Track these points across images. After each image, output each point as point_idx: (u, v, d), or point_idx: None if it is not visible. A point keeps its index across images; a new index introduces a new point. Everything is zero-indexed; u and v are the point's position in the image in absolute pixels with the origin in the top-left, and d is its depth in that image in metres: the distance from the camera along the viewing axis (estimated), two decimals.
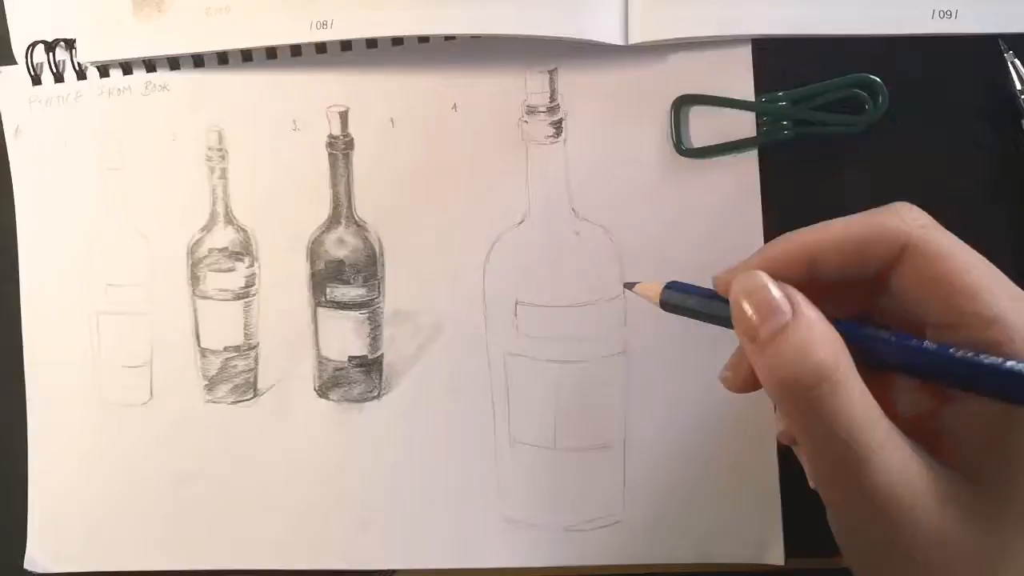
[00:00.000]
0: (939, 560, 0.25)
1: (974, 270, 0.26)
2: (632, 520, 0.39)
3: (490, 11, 0.38)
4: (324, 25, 0.39)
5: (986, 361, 0.24)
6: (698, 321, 0.30)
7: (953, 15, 0.37)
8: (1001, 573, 0.25)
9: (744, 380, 0.29)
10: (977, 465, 0.26)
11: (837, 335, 0.26)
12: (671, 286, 0.31)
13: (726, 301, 0.28)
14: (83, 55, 0.41)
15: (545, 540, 0.39)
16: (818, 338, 0.25)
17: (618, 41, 0.38)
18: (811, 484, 0.28)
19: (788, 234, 0.29)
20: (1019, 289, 0.27)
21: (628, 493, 0.39)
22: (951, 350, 0.25)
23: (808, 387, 0.25)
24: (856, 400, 0.25)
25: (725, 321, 0.28)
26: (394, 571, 0.41)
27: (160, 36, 0.40)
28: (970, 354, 0.25)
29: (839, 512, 0.27)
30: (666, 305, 0.31)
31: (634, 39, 0.38)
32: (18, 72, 0.42)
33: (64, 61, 0.41)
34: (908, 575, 0.26)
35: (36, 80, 0.42)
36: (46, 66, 0.42)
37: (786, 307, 0.26)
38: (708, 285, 0.38)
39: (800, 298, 0.26)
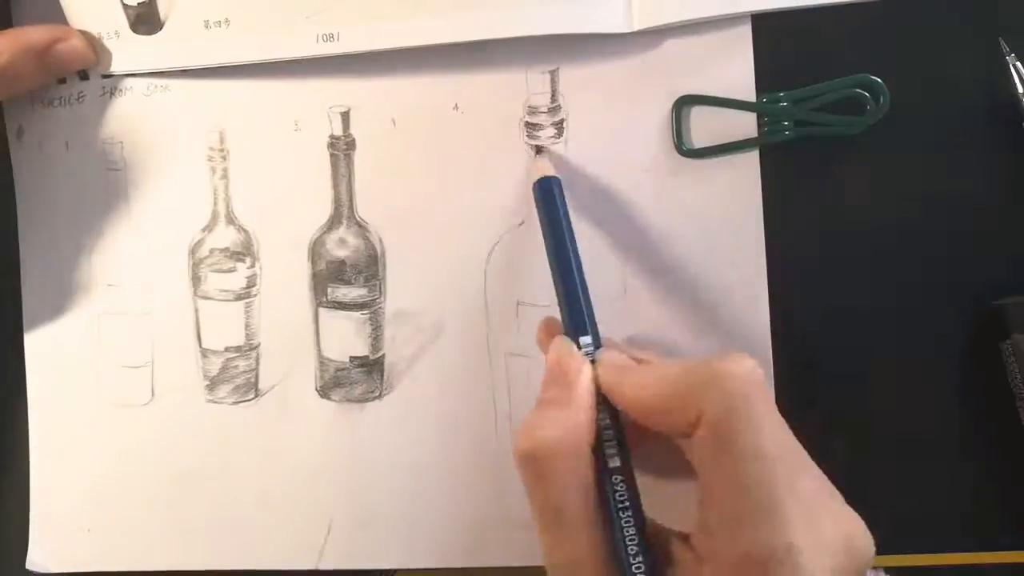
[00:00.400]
0: None
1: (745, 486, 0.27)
2: None
3: (496, 14, 0.38)
4: (330, 38, 0.39)
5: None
6: None
7: None
8: None
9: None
10: None
11: (584, 424, 0.29)
12: (551, 182, 0.36)
13: (564, 235, 0.34)
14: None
15: None
16: (562, 421, 0.29)
17: (623, 29, 0.38)
18: None
19: (617, 372, 0.31)
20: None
21: None
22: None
23: (526, 455, 0.29)
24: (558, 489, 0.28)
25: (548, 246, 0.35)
26: (394, 571, 0.41)
27: (159, 51, 0.40)
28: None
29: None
30: (535, 190, 0.36)
31: (638, 25, 0.38)
32: None
33: None
34: None
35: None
36: None
37: (560, 388, 0.30)
38: (707, 289, 0.38)
39: (582, 382, 0.30)
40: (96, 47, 0.41)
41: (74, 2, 0.41)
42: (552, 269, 0.34)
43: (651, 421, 0.29)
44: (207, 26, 0.40)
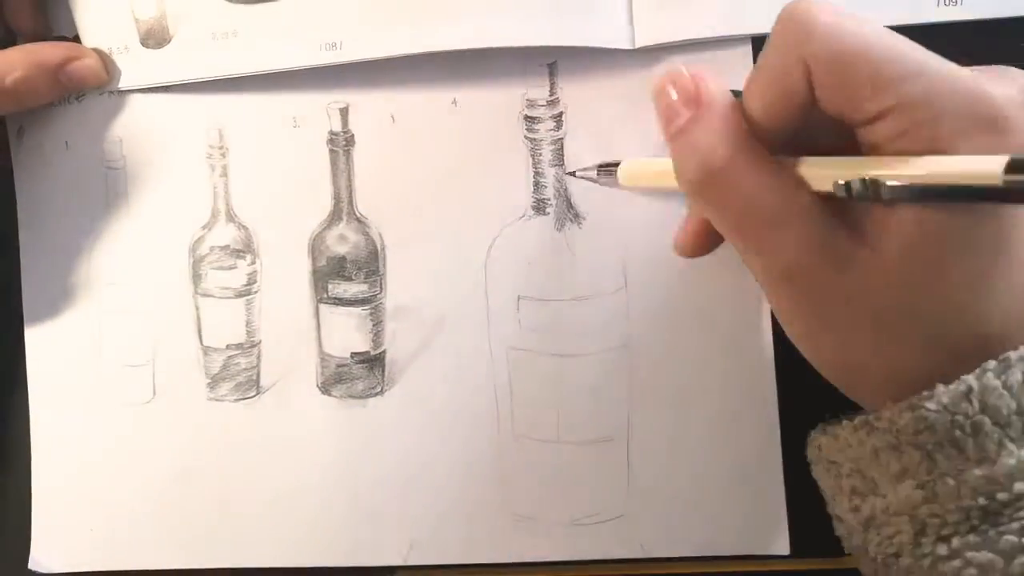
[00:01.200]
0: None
1: (866, 54, 0.26)
2: (636, 513, 0.39)
3: (498, 23, 0.38)
4: (333, 46, 0.39)
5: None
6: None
7: (958, 2, 0.37)
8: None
9: (695, 239, 0.34)
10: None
11: (737, 124, 0.28)
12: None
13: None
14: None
15: (549, 534, 0.39)
16: (717, 129, 0.28)
17: (625, 45, 0.38)
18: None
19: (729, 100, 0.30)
20: (921, 56, 0.26)
21: (632, 486, 0.39)
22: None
23: (702, 179, 0.28)
24: (750, 184, 0.28)
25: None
26: (394, 569, 0.41)
27: (167, 63, 0.40)
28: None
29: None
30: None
31: (640, 42, 0.38)
32: None
33: None
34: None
35: None
36: None
37: (689, 110, 0.29)
38: (707, 283, 0.38)
39: (709, 88, 0.29)
40: (108, 65, 0.41)
41: (85, 16, 0.41)
42: None
43: (776, 88, 0.28)
44: (214, 38, 0.40)
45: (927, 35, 0.36)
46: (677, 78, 0.29)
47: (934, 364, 0.27)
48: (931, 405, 0.26)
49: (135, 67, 0.41)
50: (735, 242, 0.29)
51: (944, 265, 0.26)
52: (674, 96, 0.29)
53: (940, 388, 0.26)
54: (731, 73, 0.38)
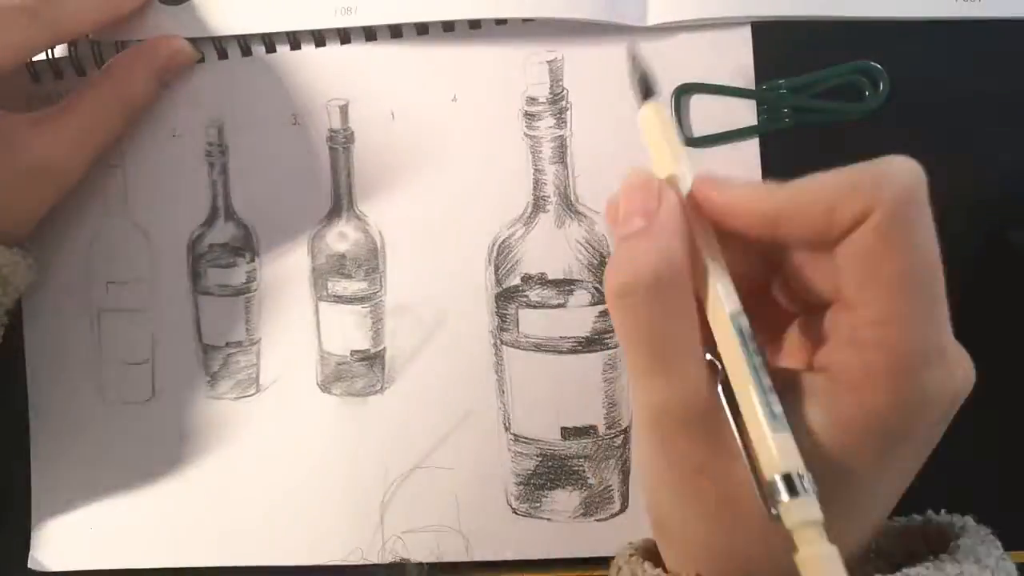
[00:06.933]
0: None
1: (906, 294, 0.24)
2: (637, 510, 0.39)
3: None
4: (348, 11, 0.39)
5: None
6: None
7: None
8: None
9: None
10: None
11: (679, 249, 0.25)
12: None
13: None
14: (106, 34, 0.40)
15: (549, 531, 0.39)
16: (654, 249, 0.25)
17: (637, 23, 0.38)
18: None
19: (755, 189, 0.27)
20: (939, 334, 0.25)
21: (633, 483, 0.39)
22: None
23: (631, 291, 0.25)
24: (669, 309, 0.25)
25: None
26: (393, 568, 0.41)
27: (184, 21, 0.40)
28: None
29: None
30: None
31: (652, 20, 0.38)
32: (18, 70, 0.42)
33: (63, 58, 0.41)
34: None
35: (35, 77, 0.42)
36: (45, 63, 0.41)
37: (644, 216, 0.26)
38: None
39: (667, 202, 0.26)
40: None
41: None
42: None
43: (773, 230, 0.26)
44: None
45: (945, 31, 0.37)
46: (642, 179, 0.27)
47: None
48: None
49: (152, 23, 0.40)
50: (643, 360, 0.26)
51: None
52: (648, 191, 0.27)
53: None
54: (730, 54, 0.38)
